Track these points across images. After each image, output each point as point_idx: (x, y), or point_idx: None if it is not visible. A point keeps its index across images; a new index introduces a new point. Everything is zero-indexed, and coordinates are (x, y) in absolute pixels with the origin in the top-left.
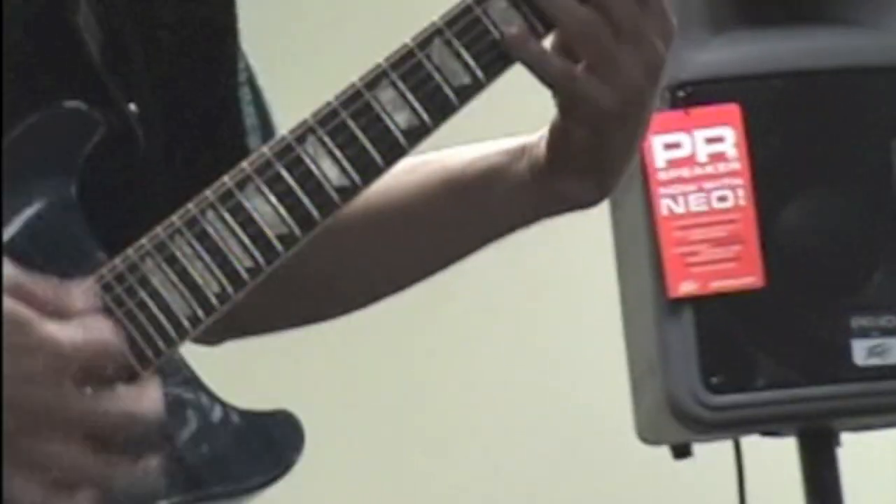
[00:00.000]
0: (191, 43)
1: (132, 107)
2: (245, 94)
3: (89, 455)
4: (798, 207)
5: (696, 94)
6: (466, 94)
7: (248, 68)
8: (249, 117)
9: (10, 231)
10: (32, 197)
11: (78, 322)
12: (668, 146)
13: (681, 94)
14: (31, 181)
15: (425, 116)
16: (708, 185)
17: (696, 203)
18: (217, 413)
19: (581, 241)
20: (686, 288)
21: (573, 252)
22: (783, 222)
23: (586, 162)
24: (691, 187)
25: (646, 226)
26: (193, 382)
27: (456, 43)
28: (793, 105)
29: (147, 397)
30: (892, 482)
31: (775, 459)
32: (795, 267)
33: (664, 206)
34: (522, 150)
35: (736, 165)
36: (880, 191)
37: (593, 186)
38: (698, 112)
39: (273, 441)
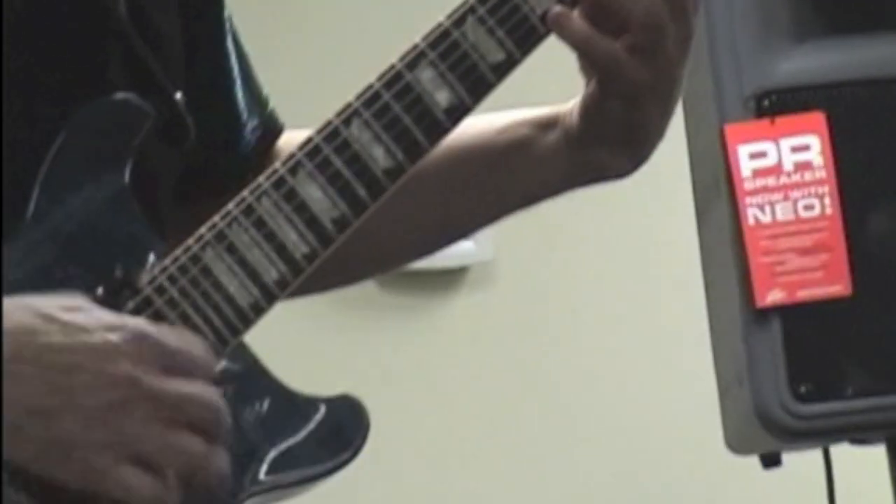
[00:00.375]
0: (191, 17)
1: (179, 95)
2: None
3: (174, 439)
4: (885, 215)
5: (781, 103)
6: (502, 70)
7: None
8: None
9: (66, 222)
10: (86, 187)
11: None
12: (754, 155)
13: (766, 103)
14: (84, 172)
15: (464, 95)
16: (794, 193)
17: (782, 212)
18: (283, 399)
19: (667, 251)
20: (773, 297)
21: (659, 262)
22: (870, 230)
23: (620, 133)
24: (777, 196)
25: (732, 235)
26: (257, 369)
27: (489, 20)
28: (878, 112)
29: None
30: None
31: (865, 468)
32: (882, 275)
33: (751, 215)
34: (553, 120)
35: (822, 174)
36: None
37: (627, 157)
38: (783, 121)
39: (340, 426)
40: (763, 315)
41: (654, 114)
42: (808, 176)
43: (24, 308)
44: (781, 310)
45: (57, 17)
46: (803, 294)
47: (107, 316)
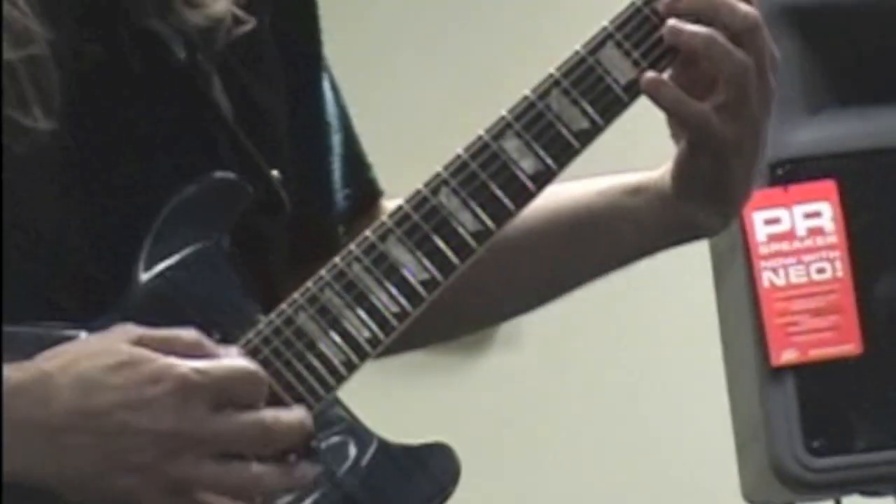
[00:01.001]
0: (296, 93)
1: (275, 173)
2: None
3: (225, 472)
4: (893, 278)
5: (794, 172)
6: (587, 137)
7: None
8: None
9: (168, 287)
10: (187, 254)
11: (207, 356)
12: (769, 221)
13: (779, 171)
14: (186, 241)
15: (549, 161)
16: (807, 257)
17: (795, 275)
18: (373, 447)
19: (686, 311)
20: (787, 357)
21: (679, 323)
22: (879, 292)
23: (711, 191)
24: (791, 260)
25: (748, 297)
26: (349, 420)
27: (574, 92)
28: (886, 180)
29: (287, 416)
30: None
31: None
32: (891, 335)
33: (765, 278)
34: (644, 185)
35: (833, 239)
36: None
37: (717, 213)
38: (796, 189)
39: (429, 471)
40: (778, 373)
41: (740, 170)
42: (820, 241)
43: (72, 375)
44: (795, 368)
45: (173, 110)
46: (816, 353)
47: (149, 368)
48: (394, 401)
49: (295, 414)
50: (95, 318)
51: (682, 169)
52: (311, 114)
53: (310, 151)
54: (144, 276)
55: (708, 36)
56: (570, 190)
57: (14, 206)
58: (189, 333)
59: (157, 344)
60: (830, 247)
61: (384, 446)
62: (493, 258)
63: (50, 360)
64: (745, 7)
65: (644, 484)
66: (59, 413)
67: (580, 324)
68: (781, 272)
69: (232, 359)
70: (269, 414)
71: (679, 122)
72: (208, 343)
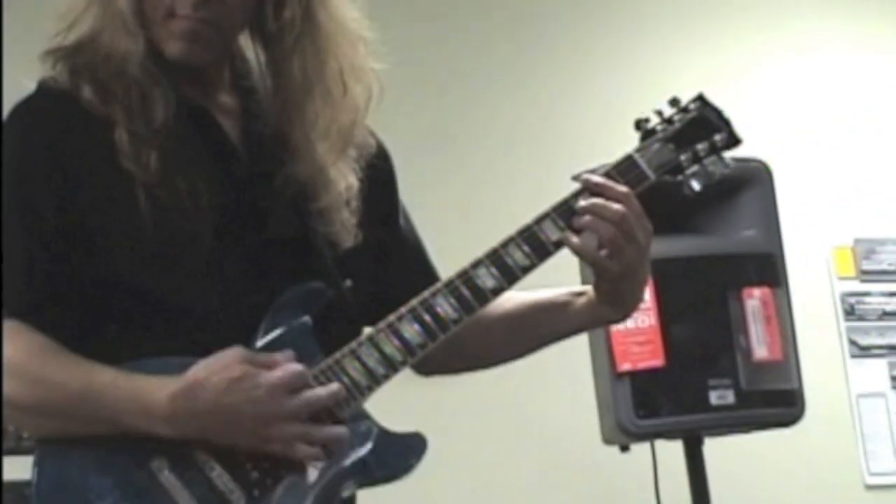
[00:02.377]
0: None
1: (348, 282)
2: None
3: (300, 428)
4: (681, 326)
5: None
6: (526, 271)
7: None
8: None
9: (277, 345)
10: (286, 332)
11: (279, 370)
12: None
13: None
14: (287, 319)
15: (504, 283)
16: (638, 315)
17: (630, 323)
18: (376, 431)
19: (571, 342)
20: (624, 367)
21: (568, 346)
22: (673, 333)
23: (613, 299)
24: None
25: (605, 334)
26: (366, 415)
27: (523, 245)
28: (675, 273)
29: (323, 392)
30: (722, 460)
31: (673, 455)
32: (680, 356)
33: (615, 324)
34: (583, 292)
35: (650, 305)
36: (719, 318)
37: (621, 310)
38: None
39: (408, 446)
40: (620, 376)
41: (630, 287)
42: (642, 306)
43: (213, 382)
44: (629, 373)
45: (285, 246)
46: (641, 365)
47: (251, 382)
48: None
49: (327, 391)
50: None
51: (597, 288)
52: (403, 239)
53: (413, 259)
54: (259, 343)
55: (602, 225)
56: (534, 295)
57: (181, 277)
58: (275, 356)
59: (259, 363)
60: (648, 309)
61: (383, 431)
62: (481, 331)
63: (196, 373)
64: (620, 201)
65: (547, 445)
66: (210, 402)
67: None
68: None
69: (294, 366)
70: (311, 394)
71: (588, 264)
72: (280, 357)
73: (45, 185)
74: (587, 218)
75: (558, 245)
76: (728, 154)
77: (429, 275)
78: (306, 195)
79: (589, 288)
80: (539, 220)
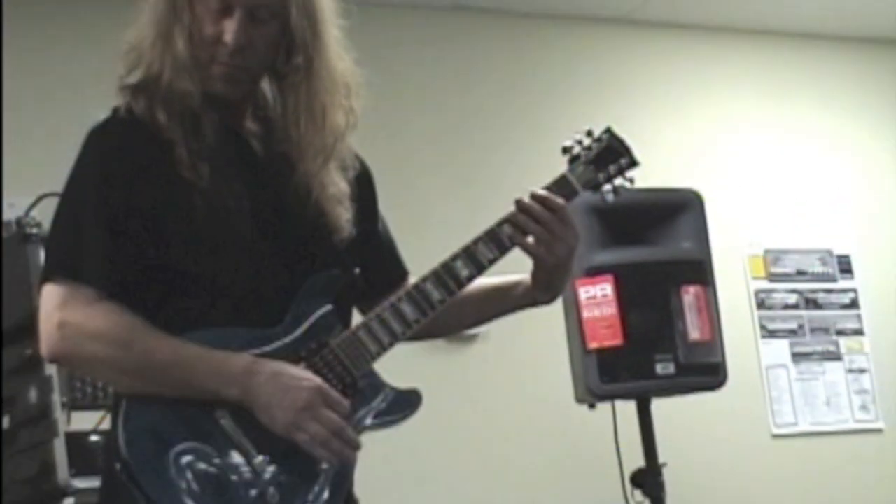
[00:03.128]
0: (366, 220)
1: (357, 270)
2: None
3: (328, 419)
4: (636, 314)
5: (596, 271)
6: (491, 262)
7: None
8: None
9: (300, 322)
10: (314, 308)
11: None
12: (585, 291)
13: (591, 271)
14: (313, 303)
15: (475, 272)
16: (601, 305)
17: (597, 312)
18: (387, 388)
19: (554, 327)
20: (593, 345)
21: (552, 333)
22: (630, 319)
23: (547, 285)
24: (594, 306)
25: (577, 320)
26: (377, 376)
27: (489, 242)
28: (630, 275)
29: (339, 418)
30: (665, 416)
31: (629, 411)
32: (635, 336)
33: (585, 312)
34: (524, 279)
35: (612, 298)
36: (663, 309)
37: (550, 294)
38: (596, 279)
39: (409, 399)
40: (589, 352)
41: (556, 278)
42: (604, 299)
43: (283, 370)
44: (597, 350)
45: (303, 237)
46: (606, 343)
47: (309, 378)
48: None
49: (338, 400)
50: (278, 338)
51: (534, 275)
52: (380, 236)
53: (387, 252)
54: (290, 317)
55: (538, 228)
56: (492, 281)
57: (228, 258)
58: (337, 399)
59: (324, 398)
60: (609, 301)
61: (391, 387)
62: (456, 308)
63: (279, 366)
64: (553, 210)
65: (534, 405)
66: (269, 379)
67: (512, 327)
68: (591, 310)
69: (340, 400)
70: (335, 417)
71: (529, 256)
72: (334, 398)
73: (120, 189)
74: (531, 218)
75: (512, 241)
76: (630, 173)
77: (399, 265)
78: (309, 196)
79: (527, 277)
80: (499, 224)
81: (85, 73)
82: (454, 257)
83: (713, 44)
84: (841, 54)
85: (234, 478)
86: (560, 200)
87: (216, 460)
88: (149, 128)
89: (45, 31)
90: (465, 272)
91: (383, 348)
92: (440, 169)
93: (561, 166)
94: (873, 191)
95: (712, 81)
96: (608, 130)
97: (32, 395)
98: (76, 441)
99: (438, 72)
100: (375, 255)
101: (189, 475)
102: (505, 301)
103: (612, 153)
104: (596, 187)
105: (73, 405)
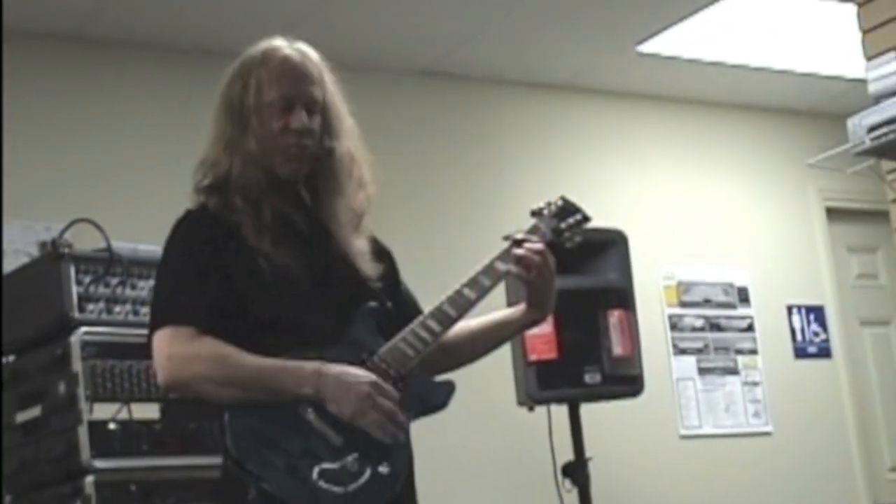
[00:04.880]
0: (389, 274)
1: (389, 304)
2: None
3: (383, 405)
4: (569, 332)
5: None
6: (488, 290)
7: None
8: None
9: (357, 339)
10: (364, 329)
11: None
12: None
13: None
14: (364, 325)
15: (479, 295)
16: (541, 325)
17: (537, 330)
18: (426, 380)
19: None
20: (532, 357)
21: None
22: (564, 336)
23: (540, 305)
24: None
25: (521, 336)
26: (417, 372)
27: (486, 273)
28: (566, 299)
29: (393, 392)
30: (592, 419)
31: (562, 413)
32: (567, 351)
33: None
34: (516, 310)
35: (549, 318)
36: (592, 328)
37: (543, 312)
38: None
39: (445, 389)
40: (530, 363)
41: (546, 298)
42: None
43: (346, 370)
44: (536, 361)
45: (345, 284)
46: (543, 356)
47: (366, 374)
48: None
49: (389, 390)
50: (331, 347)
51: (528, 300)
52: (403, 286)
53: (409, 297)
54: (348, 334)
55: (533, 261)
56: (494, 316)
57: (288, 302)
58: (390, 390)
59: (379, 390)
60: (548, 322)
61: (430, 380)
62: (470, 341)
63: (341, 367)
64: (538, 251)
65: (482, 406)
66: (337, 377)
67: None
68: (531, 329)
69: (390, 388)
70: (390, 403)
71: (524, 283)
72: (386, 388)
73: (204, 255)
74: (526, 255)
75: (507, 273)
76: (586, 226)
77: (417, 307)
78: (346, 256)
79: (518, 308)
80: (494, 260)
81: (118, 112)
82: (463, 286)
83: (640, 111)
84: (744, 121)
85: (321, 454)
86: (540, 243)
87: (305, 443)
88: (220, 216)
89: (84, 71)
90: (472, 295)
91: (419, 352)
92: (403, 222)
93: (519, 215)
94: (767, 235)
95: (638, 144)
96: (561, 197)
97: (61, 388)
98: (97, 428)
99: (404, 133)
100: (401, 298)
101: (285, 456)
102: (511, 326)
103: (568, 211)
104: (558, 235)
105: (94, 397)
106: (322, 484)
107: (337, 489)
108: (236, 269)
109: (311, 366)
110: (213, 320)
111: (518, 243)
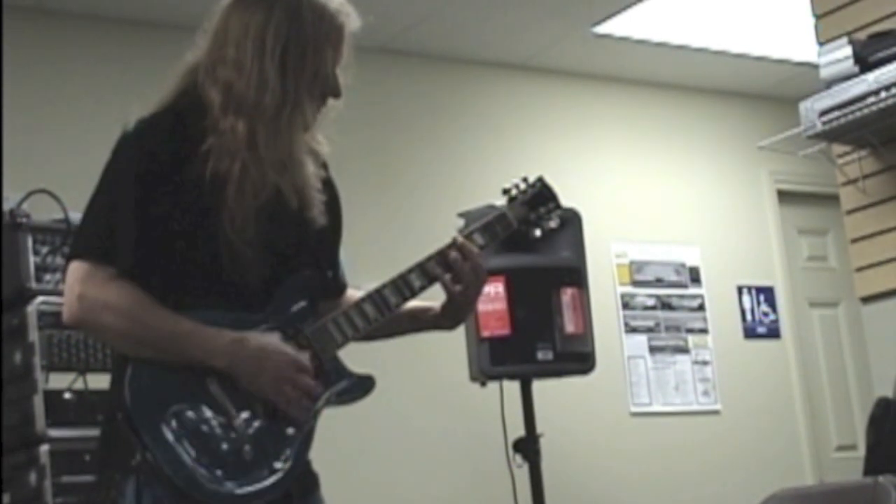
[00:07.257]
0: (330, 234)
1: (329, 273)
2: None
3: (302, 383)
4: (522, 309)
5: (490, 274)
6: (422, 289)
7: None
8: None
9: (282, 311)
10: (293, 301)
11: (300, 356)
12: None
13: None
14: (292, 298)
15: (426, 282)
16: (493, 302)
17: (491, 306)
18: (346, 371)
19: None
20: (485, 333)
21: None
22: (516, 313)
23: (453, 316)
24: (489, 302)
25: (474, 313)
26: (341, 363)
27: (417, 273)
28: (520, 277)
29: (309, 371)
30: (543, 395)
31: (514, 389)
32: (522, 326)
33: (480, 306)
34: (436, 307)
35: (503, 295)
36: (545, 305)
37: (453, 324)
38: (492, 279)
39: (365, 383)
40: (483, 339)
41: (464, 310)
42: (496, 296)
43: (265, 345)
44: (489, 338)
45: (285, 231)
46: (496, 332)
47: (287, 349)
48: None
49: (309, 368)
50: (261, 323)
51: (444, 307)
52: (336, 250)
53: (338, 266)
54: (272, 306)
55: (460, 274)
56: (411, 304)
57: (244, 262)
58: (308, 367)
59: (298, 366)
60: (500, 298)
61: (351, 372)
62: (394, 322)
63: (252, 335)
64: (475, 263)
65: (434, 383)
66: (254, 351)
67: None
68: (485, 305)
69: (306, 362)
70: (307, 379)
71: (445, 291)
72: (303, 362)
73: (150, 185)
74: (461, 269)
75: (438, 278)
76: (555, 215)
77: (342, 279)
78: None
79: (436, 305)
80: (428, 259)
81: (76, 84)
82: (409, 271)
83: (595, 92)
84: (697, 103)
85: (217, 434)
86: (476, 249)
87: (203, 419)
88: (188, 124)
89: (43, 43)
90: (417, 283)
91: (347, 339)
92: (359, 199)
93: (474, 194)
94: (719, 216)
95: (592, 124)
96: (540, 179)
97: (17, 357)
98: (52, 397)
99: (359, 111)
100: (339, 268)
101: (179, 429)
102: (419, 322)
103: (542, 198)
104: (528, 224)
105: (50, 367)
106: (202, 470)
107: (219, 472)
108: (179, 204)
109: (229, 336)
110: (138, 265)
111: (455, 247)
